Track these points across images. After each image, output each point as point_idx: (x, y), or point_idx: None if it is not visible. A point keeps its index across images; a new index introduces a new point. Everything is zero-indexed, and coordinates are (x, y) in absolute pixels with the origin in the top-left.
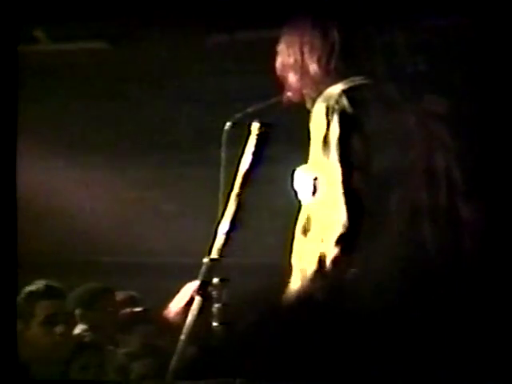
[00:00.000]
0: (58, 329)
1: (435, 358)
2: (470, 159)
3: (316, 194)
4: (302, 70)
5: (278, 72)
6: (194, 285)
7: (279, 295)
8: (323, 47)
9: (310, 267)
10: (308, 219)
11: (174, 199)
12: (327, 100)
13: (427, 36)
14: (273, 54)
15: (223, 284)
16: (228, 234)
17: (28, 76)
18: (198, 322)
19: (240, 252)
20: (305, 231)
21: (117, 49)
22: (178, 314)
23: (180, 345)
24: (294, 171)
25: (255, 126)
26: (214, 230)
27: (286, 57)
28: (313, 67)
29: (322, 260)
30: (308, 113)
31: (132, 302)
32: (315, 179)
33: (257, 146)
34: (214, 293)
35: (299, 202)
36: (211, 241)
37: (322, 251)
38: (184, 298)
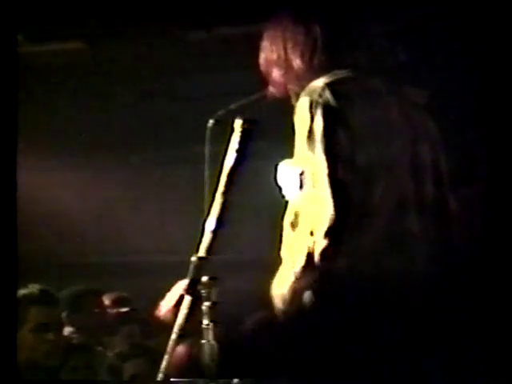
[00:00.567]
0: (49, 336)
1: (425, 350)
2: (456, 149)
3: (303, 189)
4: (286, 66)
5: (262, 68)
6: (184, 283)
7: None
8: (306, 42)
9: (300, 261)
10: (296, 213)
11: (159, 198)
12: (310, 94)
13: (408, 26)
14: (256, 50)
15: (212, 282)
16: (215, 231)
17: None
18: (189, 321)
19: (228, 249)
20: (293, 225)
21: (95, 48)
22: (168, 312)
23: (171, 344)
24: (276, 166)
25: (238, 123)
26: (200, 228)
27: (269, 52)
28: (296, 62)
29: (311, 253)
30: (292, 108)
31: (121, 302)
32: (301, 174)
33: (240, 142)
34: (204, 291)
35: (283, 197)
36: (198, 239)
37: (310, 244)
38: (174, 297)
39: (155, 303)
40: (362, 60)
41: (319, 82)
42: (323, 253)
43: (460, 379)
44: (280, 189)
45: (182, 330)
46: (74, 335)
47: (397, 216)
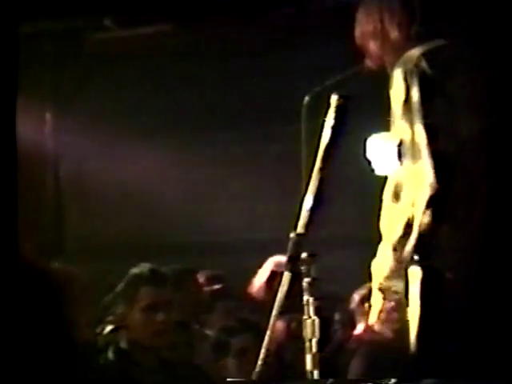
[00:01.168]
0: (159, 316)
1: None
2: None
3: (401, 161)
4: (383, 37)
5: (358, 41)
6: (275, 259)
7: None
8: (403, 12)
9: (399, 232)
10: (396, 186)
11: (249, 176)
12: (406, 64)
13: None
14: (349, 24)
15: (311, 259)
16: (313, 209)
17: (98, 62)
18: (289, 297)
19: (325, 226)
20: (393, 198)
21: (182, 30)
22: (260, 289)
23: (272, 320)
24: (365, 140)
25: (334, 99)
26: (289, 206)
27: (365, 25)
28: (393, 33)
29: (411, 224)
30: (389, 79)
31: (215, 280)
32: (400, 145)
33: (336, 118)
34: (303, 268)
35: (373, 170)
36: (290, 216)
37: (411, 216)
38: (265, 273)
39: (247, 280)
40: (460, 29)
41: (415, 52)
42: (425, 224)
43: None
44: (369, 163)
45: (283, 306)
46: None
47: (500, 186)
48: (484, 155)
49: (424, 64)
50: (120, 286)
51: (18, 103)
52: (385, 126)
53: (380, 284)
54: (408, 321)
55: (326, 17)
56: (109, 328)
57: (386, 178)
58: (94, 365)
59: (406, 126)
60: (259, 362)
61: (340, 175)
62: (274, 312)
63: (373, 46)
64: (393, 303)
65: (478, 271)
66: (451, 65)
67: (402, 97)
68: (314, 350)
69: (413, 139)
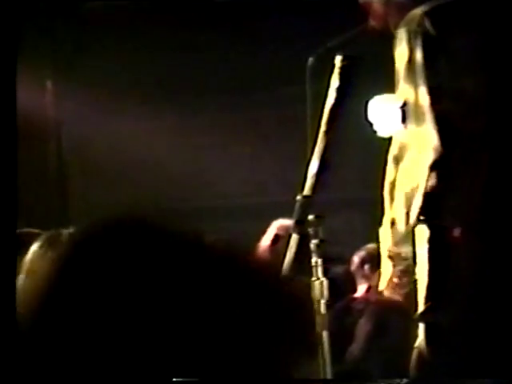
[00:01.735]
0: None
1: None
2: None
3: (405, 123)
4: None
5: (361, 1)
6: (279, 223)
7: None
8: None
9: (403, 196)
10: (400, 148)
11: (250, 140)
12: (409, 24)
13: None
14: None
15: (319, 220)
16: (319, 171)
17: (97, 26)
18: (296, 259)
19: (331, 188)
20: (397, 160)
21: None
22: (265, 252)
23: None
24: (367, 102)
25: (338, 60)
26: (295, 169)
27: None
28: None
29: (416, 188)
30: (393, 40)
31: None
32: (403, 107)
33: (341, 80)
34: (310, 230)
35: (375, 132)
36: (302, 179)
37: (416, 179)
38: (269, 236)
39: (252, 245)
40: None
41: (418, 11)
42: (430, 186)
43: None
44: (371, 125)
45: (291, 268)
46: None
47: (505, 145)
48: (489, 115)
49: (427, 23)
50: None
51: (17, 71)
52: (389, 87)
53: (389, 251)
54: (416, 282)
55: None
56: None
57: (390, 140)
58: None
59: (409, 87)
60: None
61: (345, 137)
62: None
63: (376, 6)
64: (402, 267)
65: (485, 229)
66: (455, 23)
67: (406, 58)
68: (323, 311)
69: (417, 101)
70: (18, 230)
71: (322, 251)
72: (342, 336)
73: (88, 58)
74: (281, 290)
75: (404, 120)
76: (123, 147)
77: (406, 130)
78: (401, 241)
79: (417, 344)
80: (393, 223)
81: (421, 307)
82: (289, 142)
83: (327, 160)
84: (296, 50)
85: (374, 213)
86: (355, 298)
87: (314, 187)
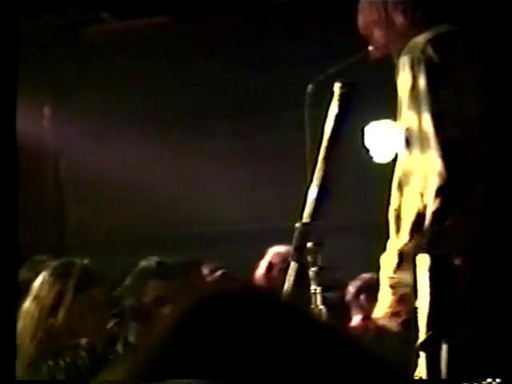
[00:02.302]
0: (167, 309)
1: None
2: None
3: (409, 147)
4: (387, 24)
5: (362, 30)
6: (274, 250)
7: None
8: None
9: (409, 223)
10: (404, 175)
11: (250, 166)
12: (412, 51)
13: None
14: (354, 12)
15: (317, 248)
16: (318, 198)
17: (96, 54)
18: (296, 287)
19: (331, 214)
20: (401, 187)
21: (181, 22)
22: (260, 281)
23: None
24: (363, 128)
25: (337, 87)
26: (294, 195)
27: (368, 13)
28: (399, 19)
29: (420, 214)
30: (394, 67)
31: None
32: (405, 133)
33: (340, 107)
34: (309, 257)
35: (371, 158)
36: (300, 206)
37: (420, 206)
38: (265, 264)
39: (250, 271)
40: (466, 13)
41: (421, 39)
42: (435, 214)
43: None
44: (367, 151)
45: (290, 296)
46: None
47: (506, 173)
48: (491, 142)
49: (430, 51)
50: (128, 280)
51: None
52: (390, 113)
53: (390, 278)
54: (417, 311)
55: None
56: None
57: (393, 166)
58: (101, 358)
59: (413, 114)
60: None
61: (344, 163)
62: None
63: (377, 35)
64: (401, 294)
65: (486, 257)
66: (458, 51)
67: (409, 85)
68: None
69: (420, 128)
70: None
71: (320, 279)
72: None
73: (85, 84)
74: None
75: (405, 146)
76: (121, 172)
77: (410, 157)
78: (403, 267)
79: (417, 373)
80: (396, 250)
81: (422, 336)
82: (287, 168)
83: (326, 186)
84: (296, 75)
85: (374, 239)
86: (350, 328)
87: (313, 214)
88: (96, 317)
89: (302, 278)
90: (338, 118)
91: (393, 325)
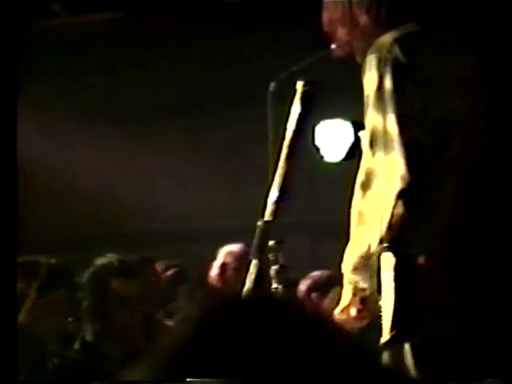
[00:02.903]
0: (127, 308)
1: None
2: None
3: (374, 147)
4: (352, 23)
5: (326, 27)
6: (226, 249)
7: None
8: None
9: (371, 225)
10: (367, 175)
11: (203, 163)
12: (379, 50)
13: None
14: (318, 9)
15: (279, 246)
16: (280, 196)
17: (45, 50)
18: (257, 285)
19: (293, 212)
20: (364, 187)
21: (134, 18)
22: (214, 281)
23: None
24: (314, 127)
25: (300, 85)
26: (247, 193)
27: (333, 11)
28: (363, 18)
29: (383, 215)
30: (357, 66)
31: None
32: (372, 130)
33: (302, 105)
34: (270, 255)
35: (322, 157)
36: (255, 204)
37: (383, 206)
38: (217, 265)
39: (204, 269)
40: (431, 12)
41: (387, 38)
42: (397, 215)
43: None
44: (318, 150)
45: (251, 294)
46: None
47: (471, 174)
48: (456, 143)
49: (397, 50)
50: (85, 278)
51: None
52: (343, 112)
53: (351, 278)
54: (380, 310)
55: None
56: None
57: (345, 165)
58: (60, 357)
59: (378, 114)
60: None
61: (305, 162)
62: None
63: (341, 33)
64: (362, 294)
65: (450, 257)
66: (424, 51)
67: (375, 85)
68: None
69: (385, 128)
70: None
71: (281, 277)
72: None
73: (36, 80)
74: None
75: (371, 147)
76: (74, 170)
77: (374, 157)
78: (360, 268)
79: None
80: (358, 249)
81: (385, 336)
82: (243, 166)
83: (288, 184)
84: (259, 71)
85: (323, 238)
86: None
87: (275, 212)
88: (57, 319)
89: (262, 277)
90: (300, 116)
91: (354, 324)
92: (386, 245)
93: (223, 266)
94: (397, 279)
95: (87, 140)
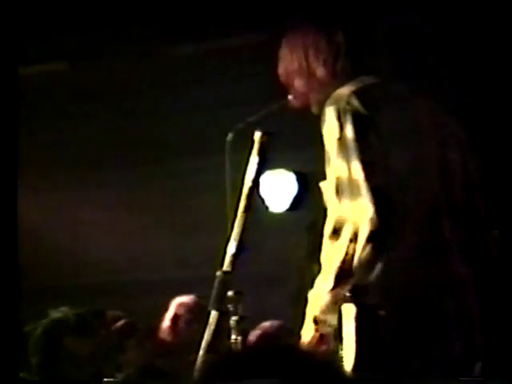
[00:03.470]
0: (79, 367)
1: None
2: (483, 151)
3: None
4: (309, 74)
5: (282, 78)
6: (178, 301)
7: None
8: (329, 49)
9: (338, 269)
10: (336, 222)
11: (145, 216)
12: (337, 102)
13: (431, 31)
14: (274, 60)
15: (238, 297)
16: (239, 247)
17: None
18: (216, 337)
19: (250, 264)
20: (332, 234)
21: (79, 69)
22: (165, 333)
23: (199, 360)
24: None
25: (257, 136)
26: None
27: (289, 62)
28: (319, 70)
29: (348, 262)
30: (313, 117)
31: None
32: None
33: (260, 155)
34: (230, 306)
35: (267, 208)
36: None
37: (349, 252)
38: (169, 317)
39: (157, 322)
40: (386, 65)
41: (345, 90)
42: (363, 261)
43: None
44: (263, 200)
45: (210, 346)
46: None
47: (429, 221)
48: (413, 190)
49: (356, 102)
50: (38, 332)
51: None
52: (310, 161)
53: (315, 316)
54: (341, 356)
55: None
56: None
57: (325, 214)
58: None
59: (342, 162)
60: None
61: (264, 212)
62: (202, 352)
63: (298, 84)
64: (322, 334)
65: (409, 309)
66: (381, 101)
67: (336, 135)
68: None
69: (350, 176)
70: None
71: (240, 328)
72: None
73: None
74: None
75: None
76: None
77: (341, 205)
78: (328, 310)
79: None
80: (323, 291)
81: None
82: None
83: (246, 236)
84: (218, 120)
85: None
86: None
87: (234, 263)
88: None
89: (219, 328)
90: (258, 166)
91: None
92: (348, 294)
93: (175, 318)
94: (357, 330)
95: (33, 192)
